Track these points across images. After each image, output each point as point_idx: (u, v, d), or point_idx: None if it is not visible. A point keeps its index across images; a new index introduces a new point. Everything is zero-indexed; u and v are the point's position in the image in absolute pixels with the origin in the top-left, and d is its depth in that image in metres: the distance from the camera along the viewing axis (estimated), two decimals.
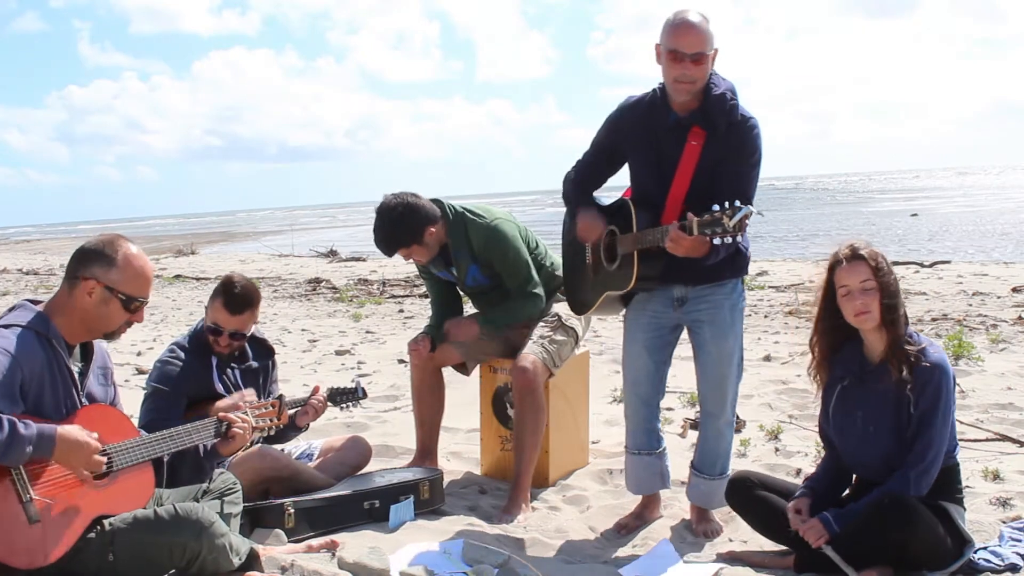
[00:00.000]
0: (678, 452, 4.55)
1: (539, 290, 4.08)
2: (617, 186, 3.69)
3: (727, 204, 2.95)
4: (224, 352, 3.67)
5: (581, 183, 3.62)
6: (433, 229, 3.97)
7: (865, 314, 3.01)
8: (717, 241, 2.98)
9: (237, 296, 3.57)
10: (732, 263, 3.43)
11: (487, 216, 4.05)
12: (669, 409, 5.47)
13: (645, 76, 3.34)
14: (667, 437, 4.74)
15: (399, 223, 3.91)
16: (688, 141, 3.30)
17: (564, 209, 3.80)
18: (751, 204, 3.09)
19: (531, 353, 3.95)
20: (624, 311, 3.70)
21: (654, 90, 3.43)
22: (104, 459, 2.64)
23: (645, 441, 3.72)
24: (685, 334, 3.63)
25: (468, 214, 4.04)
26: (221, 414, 3.10)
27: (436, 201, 4.06)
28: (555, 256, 4.27)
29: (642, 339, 3.59)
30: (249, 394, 3.57)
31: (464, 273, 4.13)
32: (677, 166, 3.31)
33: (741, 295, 3.56)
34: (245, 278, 3.68)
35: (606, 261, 3.56)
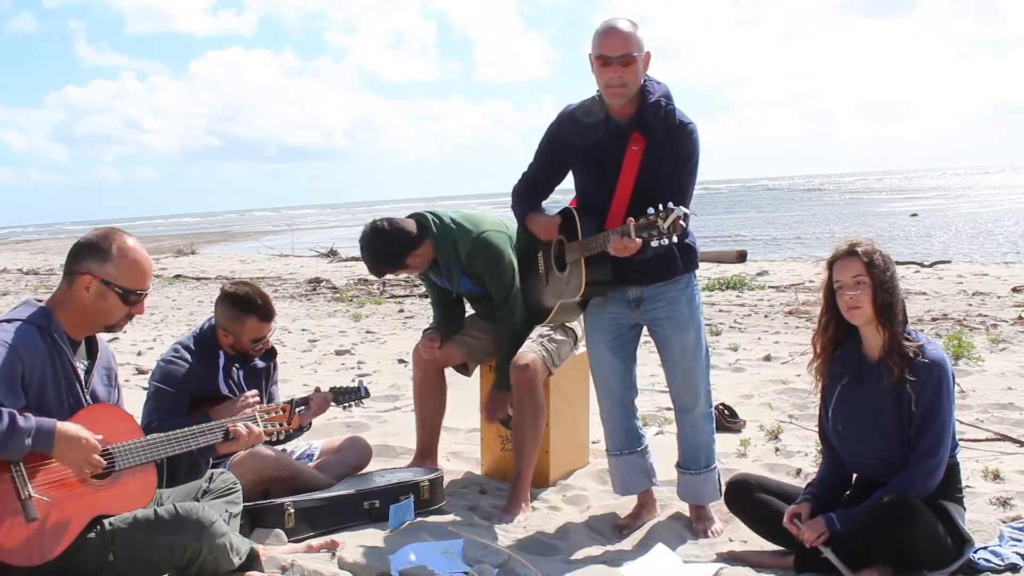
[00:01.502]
0: (671, 452, 4.55)
1: (519, 301, 4.04)
2: (568, 189, 3.72)
3: (661, 207, 3.02)
4: (257, 355, 3.77)
5: (528, 194, 3.65)
6: (416, 252, 3.98)
7: (856, 309, 3.04)
8: (655, 244, 3.05)
9: (263, 307, 3.67)
10: (683, 258, 3.48)
11: (475, 228, 4.01)
12: (668, 409, 5.46)
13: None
14: (667, 437, 4.74)
15: (377, 254, 3.98)
16: (629, 147, 3.35)
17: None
18: (686, 206, 3.21)
19: (530, 352, 3.95)
20: (580, 315, 3.74)
21: (593, 98, 3.46)
22: (102, 460, 2.64)
23: (624, 441, 3.72)
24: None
25: (455, 227, 4.01)
26: (231, 426, 3.10)
27: (421, 217, 4.04)
28: None
29: (604, 340, 3.63)
30: (252, 396, 3.56)
31: (456, 284, 4.15)
32: (619, 172, 3.36)
33: (696, 288, 3.61)
34: (247, 285, 3.73)
35: (557, 269, 3.60)
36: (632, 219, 3.08)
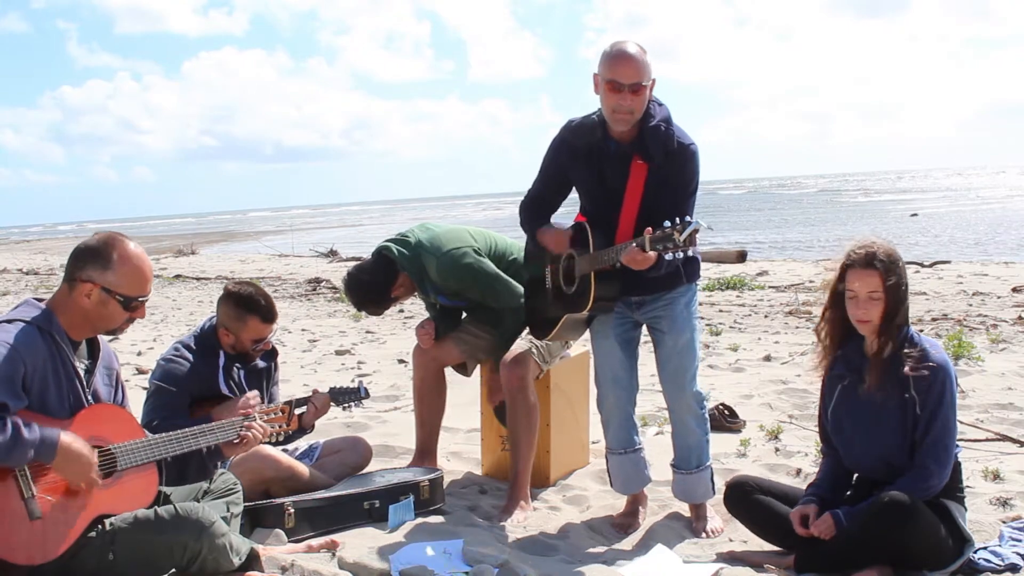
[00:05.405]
0: (670, 453, 4.55)
1: (518, 293, 4.04)
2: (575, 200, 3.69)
3: (677, 220, 3.02)
4: (257, 356, 3.76)
5: (534, 211, 3.67)
6: (394, 286, 4.10)
7: (866, 322, 3.05)
8: (669, 256, 3.06)
9: (266, 307, 3.67)
10: (685, 270, 3.52)
11: (436, 252, 4.01)
12: (663, 408, 5.47)
13: None
14: (667, 437, 4.74)
15: (364, 302, 4.21)
16: (631, 171, 3.36)
17: None
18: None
19: (520, 350, 3.98)
20: (583, 335, 3.75)
21: (592, 117, 3.45)
22: (98, 479, 2.63)
23: (627, 439, 3.74)
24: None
25: (422, 250, 4.04)
26: (241, 431, 3.12)
27: (387, 251, 4.07)
28: None
29: (613, 335, 3.64)
30: (253, 397, 3.56)
31: (435, 299, 4.22)
32: (624, 191, 3.37)
33: (695, 294, 3.66)
34: (251, 285, 3.73)
35: (564, 284, 3.60)
36: (649, 230, 3.08)
